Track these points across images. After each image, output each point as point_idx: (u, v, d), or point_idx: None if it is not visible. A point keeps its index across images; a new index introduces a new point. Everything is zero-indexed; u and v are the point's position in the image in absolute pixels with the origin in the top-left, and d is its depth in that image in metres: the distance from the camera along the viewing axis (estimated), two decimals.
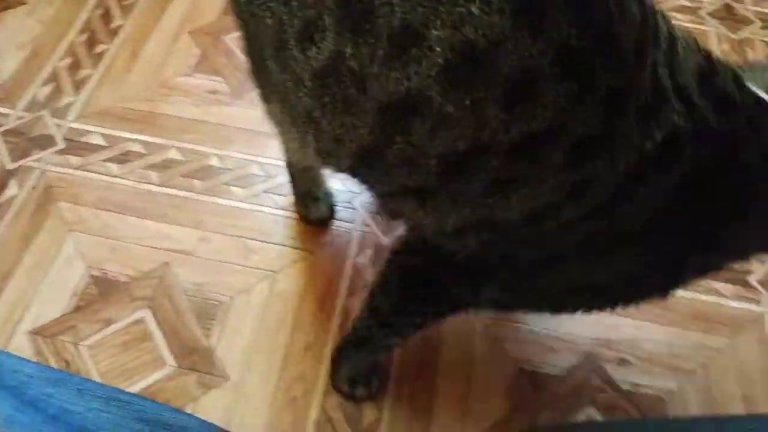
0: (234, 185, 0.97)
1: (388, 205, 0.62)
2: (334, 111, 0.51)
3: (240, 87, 1.10)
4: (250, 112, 1.06)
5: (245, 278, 0.87)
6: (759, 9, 1.24)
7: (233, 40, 1.17)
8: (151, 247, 0.90)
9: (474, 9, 0.41)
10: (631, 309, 0.84)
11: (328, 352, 0.81)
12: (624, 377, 0.79)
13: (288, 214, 0.95)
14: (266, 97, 0.66)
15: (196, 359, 0.80)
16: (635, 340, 0.82)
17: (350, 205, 0.96)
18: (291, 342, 0.82)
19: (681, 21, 1.22)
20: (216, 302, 0.85)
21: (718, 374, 0.80)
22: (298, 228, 0.93)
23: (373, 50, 0.45)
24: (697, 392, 0.78)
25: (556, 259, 0.53)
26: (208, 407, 0.76)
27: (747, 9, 1.24)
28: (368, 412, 0.77)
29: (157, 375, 0.79)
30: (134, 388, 0.77)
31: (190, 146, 1.02)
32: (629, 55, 0.43)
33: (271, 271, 0.88)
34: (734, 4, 1.24)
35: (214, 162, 1.00)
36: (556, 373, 0.79)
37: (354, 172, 0.59)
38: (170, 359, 0.80)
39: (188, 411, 0.76)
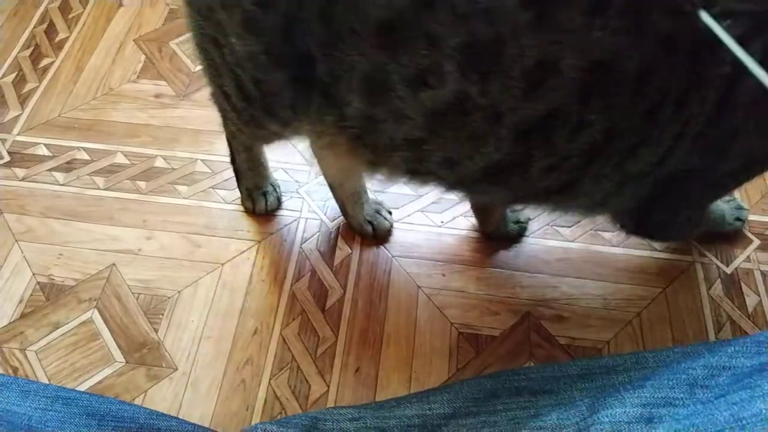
0: (179, 184, 0.99)
1: (535, 208, 0.68)
2: (456, 141, 0.55)
3: (184, 89, 1.12)
4: (195, 112, 1.08)
5: (192, 272, 0.89)
6: None
7: (178, 45, 1.19)
8: (98, 250, 0.91)
9: (599, 34, 0.47)
10: (568, 269, 0.87)
11: (276, 335, 0.82)
12: (562, 333, 0.81)
13: (234, 207, 0.96)
14: (286, 119, 0.66)
15: (145, 353, 0.81)
16: (572, 298, 0.84)
17: (296, 194, 0.98)
18: (238, 328, 0.83)
19: None
20: (163, 297, 0.86)
21: (652, 321, 0.82)
22: (245, 220, 0.95)
23: (506, 88, 0.49)
24: (631, 340, 0.80)
25: (695, 171, 0.59)
26: (157, 398, 0.77)
27: None
28: (315, 386, 0.78)
29: (106, 372, 0.80)
30: (83, 387, 0.78)
31: (136, 150, 1.03)
32: (686, 9, 0.47)
33: (218, 263, 0.90)
34: None
35: (159, 163, 1.02)
36: (496, 334, 0.81)
37: (469, 187, 0.63)
38: (119, 355, 0.81)
39: (138, 403, 0.76)
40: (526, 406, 0.63)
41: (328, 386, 0.78)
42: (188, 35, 0.69)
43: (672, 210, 0.67)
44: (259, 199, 0.94)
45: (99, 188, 0.98)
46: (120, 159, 1.02)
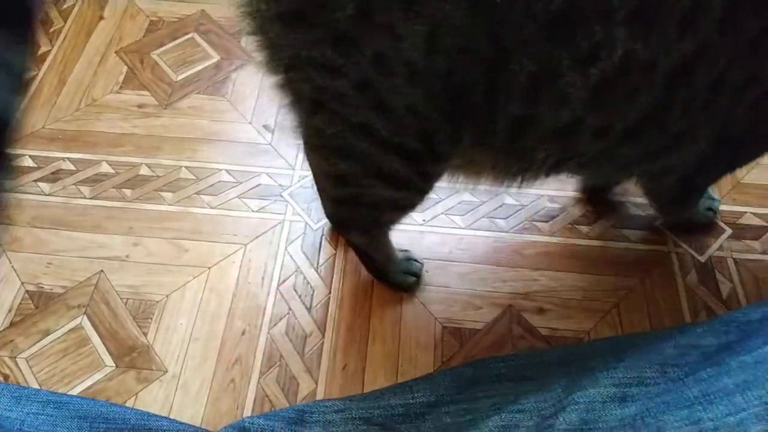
0: (164, 191, 1.00)
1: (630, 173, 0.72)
2: (615, 104, 0.56)
3: (166, 99, 1.13)
4: (178, 120, 1.10)
5: (179, 276, 0.90)
6: None
7: (159, 55, 1.20)
8: (86, 258, 0.92)
9: None
10: (548, 262, 0.89)
11: (263, 335, 0.84)
12: (543, 324, 0.83)
13: (218, 212, 0.98)
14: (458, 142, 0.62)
15: (135, 357, 0.82)
16: (552, 290, 0.86)
17: (280, 198, 0.99)
18: (226, 330, 0.85)
19: None
20: (152, 302, 0.87)
21: (630, 310, 0.84)
22: (230, 224, 0.96)
23: (665, 34, 0.51)
24: (610, 329, 0.82)
25: None
26: (148, 400, 0.78)
27: None
28: (303, 384, 0.80)
29: (97, 376, 0.81)
30: (74, 392, 0.79)
31: (120, 159, 1.04)
32: None
33: (205, 267, 0.91)
34: None
35: (144, 171, 1.03)
36: (480, 327, 0.83)
37: (612, 153, 0.63)
38: (109, 360, 0.82)
39: (128, 405, 0.77)
40: (506, 392, 0.65)
41: (317, 383, 0.80)
42: (329, 152, 0.63)
43: (721, 168, 0.74)
44: (414, 266, 0.87)
45: (85, 197, 0.99)
46: (105, 168, 1.03)
